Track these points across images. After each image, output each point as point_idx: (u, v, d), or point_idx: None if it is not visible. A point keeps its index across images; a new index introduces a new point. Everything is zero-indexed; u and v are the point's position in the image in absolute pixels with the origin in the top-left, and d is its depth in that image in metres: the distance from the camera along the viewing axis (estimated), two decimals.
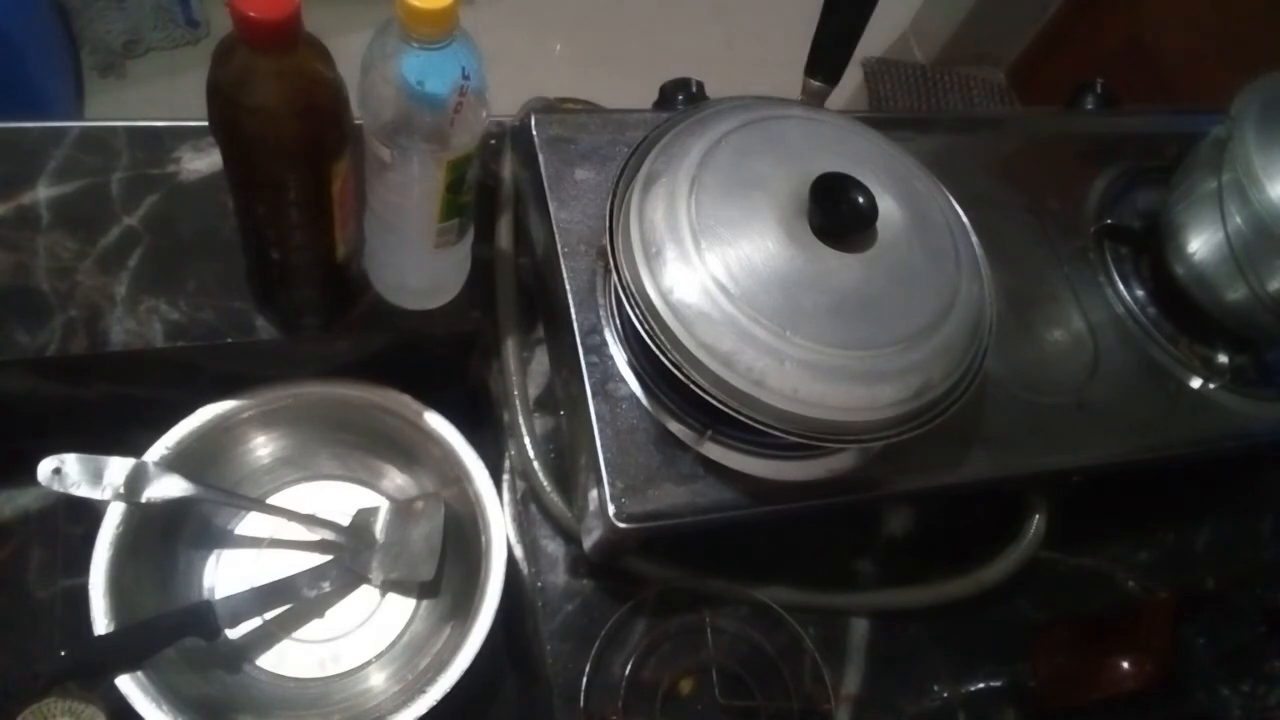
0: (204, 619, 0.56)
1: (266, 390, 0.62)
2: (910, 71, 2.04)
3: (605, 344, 0.57)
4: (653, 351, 0.51)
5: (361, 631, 0.62)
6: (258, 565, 0.63)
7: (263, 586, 0.60)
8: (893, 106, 1.96)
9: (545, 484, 0.61)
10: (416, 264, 0.60)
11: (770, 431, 0.50)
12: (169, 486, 0.57)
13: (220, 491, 0.61)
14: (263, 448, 0.65)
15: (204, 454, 0.61)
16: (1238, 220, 0.65)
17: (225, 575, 0.63)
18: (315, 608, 0.62)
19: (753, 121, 0.56)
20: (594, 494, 0.55)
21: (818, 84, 0.63)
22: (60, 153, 0.62)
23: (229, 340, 0.60)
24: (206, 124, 0.47)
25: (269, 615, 0.61)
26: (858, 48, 0.61)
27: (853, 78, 2.02)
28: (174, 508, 0.58)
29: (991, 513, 0.68)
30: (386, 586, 0.63)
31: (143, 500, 0.56)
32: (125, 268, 0.60)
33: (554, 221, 0.60)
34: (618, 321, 0.57)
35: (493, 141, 0.70)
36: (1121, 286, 0.71)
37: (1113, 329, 0.69)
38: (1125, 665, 0.61)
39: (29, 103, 1.37)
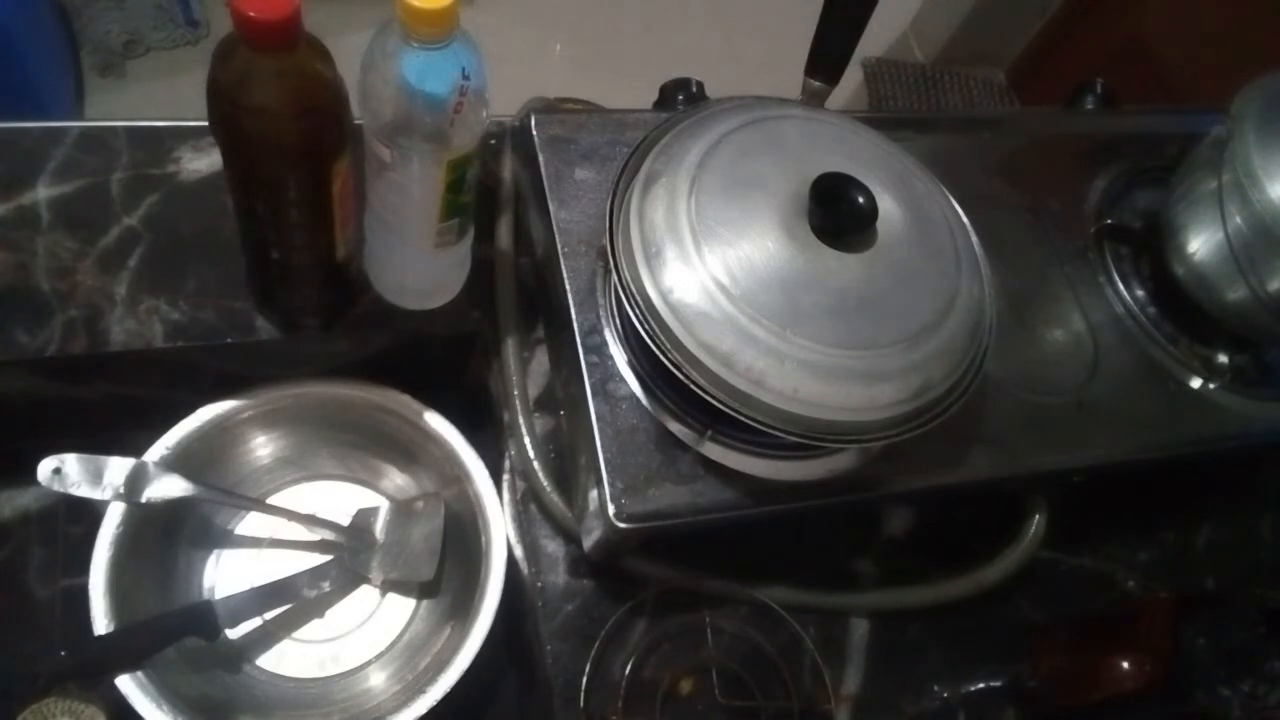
0: (204, 619, 0.56)
1: (266, 390, 0.62)
2: (910, 71, 2.04)
3: (605, 344, 0.57)
4: (653, 351, 0.51)
5: (361, 631, 0.62)
6: (258, 565, 0.63)
7: (263, 586, 0.60)
8: (893, 106, 1.96)
9: (545, 484, 0.61)
10: (416, 264, 0.60)
11: (770, 431, 0.50)
12: (169, 486, 0.57)
13: (220, 491, 0.61)
14: (263, 448, 0.65)
15: (204, 454, 0.61)
16: (1238, 220, 0.65)
17: (225, 575, 0.63)
18: (315, 608, 0.62)
19: (753, 121, 0.56)
20: (594, 494, 0.55)
21: (818, 84, 0.63)
22: (60, 153, 0.62)
23: (229, 340, 0.60)
24: (206, 124, 0.47)
25: (269, 615, 0.61)
26: (858, 48, 0.61)
27: (853, 78, 2.02)
28: (174, 508, 0.58)
29: (991, 513, 0.68)
30: (386, 586, 0.63)
31: (143, 500, 0.56)
32: (125, 268, 0.60)
33: (554, 221, 0.60)
34: (618, 321, 0.57)
35: (493, 141, 0.70)
36: (1121, 286, 0.71)
37: (1113, 329, 0.69)
38: (1125, 665, 0.61)
39: (29, 103, 1.37)
